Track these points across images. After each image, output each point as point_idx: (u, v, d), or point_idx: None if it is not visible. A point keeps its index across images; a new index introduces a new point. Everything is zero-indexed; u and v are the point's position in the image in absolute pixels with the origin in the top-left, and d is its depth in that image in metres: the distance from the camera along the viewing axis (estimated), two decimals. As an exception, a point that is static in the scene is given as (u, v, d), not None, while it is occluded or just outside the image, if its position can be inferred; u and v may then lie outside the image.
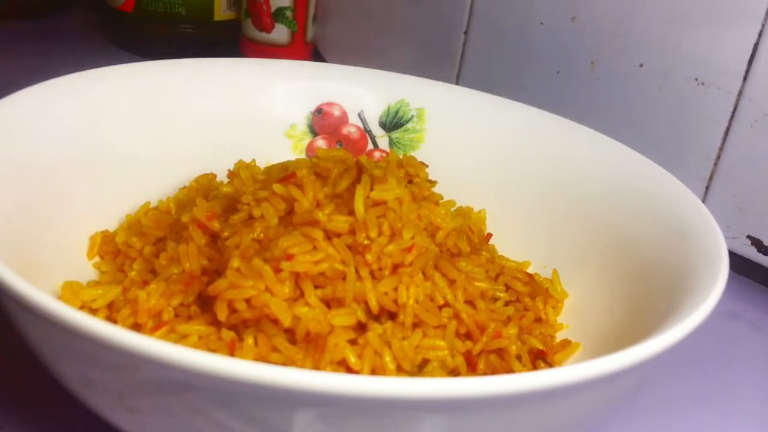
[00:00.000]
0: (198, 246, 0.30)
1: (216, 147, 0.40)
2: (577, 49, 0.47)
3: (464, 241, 0.33)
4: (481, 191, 0.41)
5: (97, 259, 0.33)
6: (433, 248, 0.31)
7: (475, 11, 0.53)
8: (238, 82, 0.42)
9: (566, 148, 0.40)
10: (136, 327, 0.28)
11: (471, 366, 0.29)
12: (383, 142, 0.44)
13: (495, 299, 0.34)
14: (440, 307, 0.30)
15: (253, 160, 0.38)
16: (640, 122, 0.45)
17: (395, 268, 0.29)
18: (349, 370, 0.26)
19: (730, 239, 0.42)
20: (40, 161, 0.33)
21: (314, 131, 0.43)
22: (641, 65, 0.45)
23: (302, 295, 0.27)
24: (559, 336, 0.34)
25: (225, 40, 0.68)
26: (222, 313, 0.27)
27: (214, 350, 0.26)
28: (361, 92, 0.44)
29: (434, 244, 0.32)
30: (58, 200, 0.32)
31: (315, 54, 0.69)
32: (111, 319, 0.29)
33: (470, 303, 0.31)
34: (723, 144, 0.42)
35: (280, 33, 0.66)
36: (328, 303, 0.28)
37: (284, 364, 0.26)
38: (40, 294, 0.21)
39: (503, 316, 0.32)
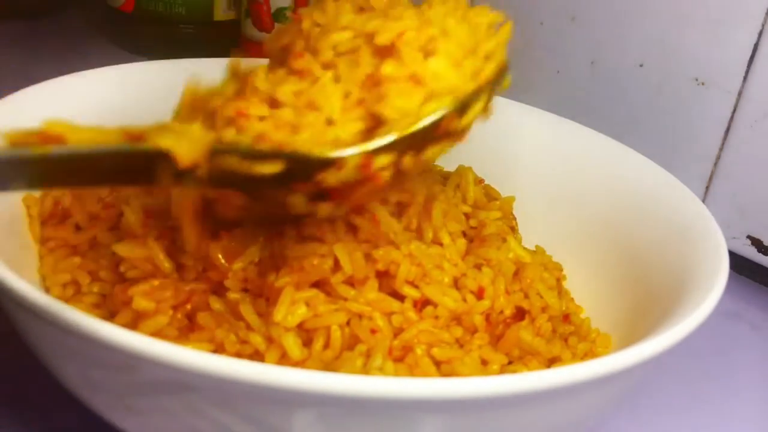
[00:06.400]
0: None
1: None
2: (577, 49, 0.47)
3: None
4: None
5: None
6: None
7: (475, 11, 0.53)
8: (238, 82, 0.42)
9: (565, 148, 0.40)
10: None
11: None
12: (383, 142, 0.44)
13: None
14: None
15: None
16: (640, 122, 0.45)
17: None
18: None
19: (730, 239, 0.42)
20: None
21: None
22: (641, 65, 0.45)
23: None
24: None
25: (225, 40, 0.68)
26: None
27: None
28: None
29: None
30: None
31: (315, 54, 0.69)
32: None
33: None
34: (723, 144, 0.42)
35: (280, 33, 0.65)
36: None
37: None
38: (41, 294, 0.21)
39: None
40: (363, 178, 0.25)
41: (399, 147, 0.25)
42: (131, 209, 0.29)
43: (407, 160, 0.25)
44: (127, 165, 0.23)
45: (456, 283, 0.30)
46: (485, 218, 0.34)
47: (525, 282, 0.31)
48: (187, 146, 0.22)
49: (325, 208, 0.26)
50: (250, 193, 0.26)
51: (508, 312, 0.29)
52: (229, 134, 0.24)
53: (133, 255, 0.28)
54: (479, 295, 0.29)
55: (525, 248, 0.34)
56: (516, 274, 0.31)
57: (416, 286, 0.28)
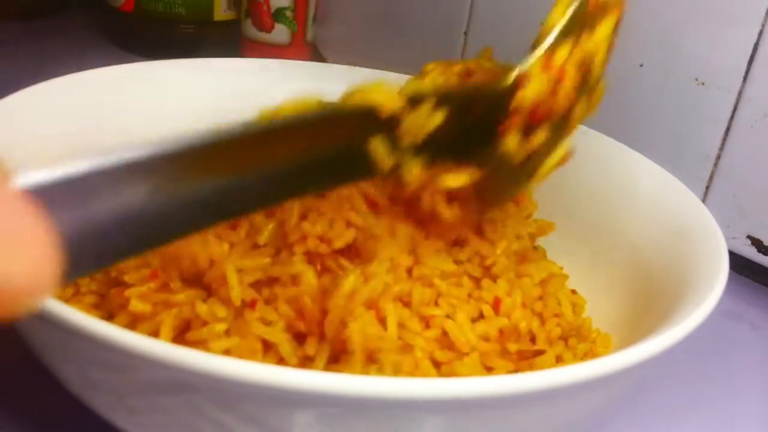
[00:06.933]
0: None
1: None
2: (577, 49, 0.47)
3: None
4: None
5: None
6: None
7: (475, 11, 0.53)
8: (238, 82, 0.42)
9: (566, 148, 0.40)
10: None
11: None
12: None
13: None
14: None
15: None
16: (640, 122, 0.45)
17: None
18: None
19: (730, 239, 0.42)
20: (39, 162, 0.33)
21: (314, 131, 0.43)
22: (641, 65, 0.45)
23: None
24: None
25: (225, 40, 0.68)
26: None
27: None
28: (361, 92, 0.43)
29: None
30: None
31: (315, 54, 0.69)
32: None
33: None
34: (723, 144, 0.42)
35: (280, 33, 0.65)
36: None
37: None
38: (40, 294, 0.21)
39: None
40: (553, 79, 0.25)
41: (568, 34, 0.25)
42: None
43: (585, 44, 0.26)
44: (339, 143, 0.21)
45: (471, 295, 0.29)
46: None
47: (546, 290, 0.31)
48: (385, 95, 0.22)
49: (539, 136, 0.25)
50: (464, 155, 0.25)
51: (523, 326, 0.29)
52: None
53: (124, 264, 0.28)
54: (495, 305, 0.29)
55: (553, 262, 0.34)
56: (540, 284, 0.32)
57: (437, 304, 0.28)
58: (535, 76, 0.25)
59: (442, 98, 0.23)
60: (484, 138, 0.24)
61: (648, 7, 0.43)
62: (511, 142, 0.25)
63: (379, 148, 0.22)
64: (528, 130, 0.25)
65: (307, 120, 0.20)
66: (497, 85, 0.25)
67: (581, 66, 0.26)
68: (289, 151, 0.19)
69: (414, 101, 0.22)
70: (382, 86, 0.22)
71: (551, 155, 0.27)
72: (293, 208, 0.28)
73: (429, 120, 0.23)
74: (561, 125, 0.27)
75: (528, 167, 0.27)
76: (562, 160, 0.28)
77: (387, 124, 0.21)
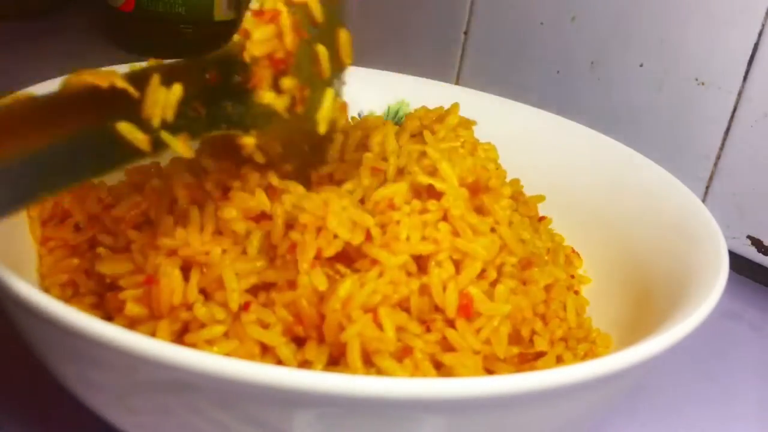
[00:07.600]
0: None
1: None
2: (577, 49, 0.47)
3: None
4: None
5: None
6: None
7: (475, 11, 0.53)
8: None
9: (566, 148, 0.40)
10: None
11: None
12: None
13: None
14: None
15: None
16: (640, 122, 0.45)
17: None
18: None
19: (730, 239, 0.42)
20: None
21: (314, 131, 0.43)
22: (641, 65, 0.45)
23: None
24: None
25: (225, 40, 0.68)
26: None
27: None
28: (360, 92, 0.43)
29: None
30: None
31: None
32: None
33: None
34: (723, 144, 0.42)
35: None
36: None
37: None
38: (41, 295, 0.21)
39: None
40: (269, 22, 0.26)
41: None
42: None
43: None
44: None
45: None
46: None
47: (550, 295, 0.31)
48: (101, 76, 0.22)
49: (288, 81, 0.26)
50: (231, 122, 0.25)
51: (525, 331, 0.29)
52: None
53: (118, 270, 0.28)
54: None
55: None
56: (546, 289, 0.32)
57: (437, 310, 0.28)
58: (252, 27, 0.26)
59: (167, 72, 0.24)
60: (243, 100, 0.25)
61: (648, 7, 0.44)
62: (265, 95, 0.26)
63: (129, 131, 0.22)
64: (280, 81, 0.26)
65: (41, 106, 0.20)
66: (224, 49, 0.26)
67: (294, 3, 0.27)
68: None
69: (136, 79, 0.23)
70: (99, 71, 0.23)
71: (325, 96, 0.28)
72: (278, 219, 0.27)
73: (169, 95, 0.23)
74: (313, 65, 0.27)
75: (309, 118, 0.27)
76: (339, 106, 0.29)
77: (127, 107, 0.22)
